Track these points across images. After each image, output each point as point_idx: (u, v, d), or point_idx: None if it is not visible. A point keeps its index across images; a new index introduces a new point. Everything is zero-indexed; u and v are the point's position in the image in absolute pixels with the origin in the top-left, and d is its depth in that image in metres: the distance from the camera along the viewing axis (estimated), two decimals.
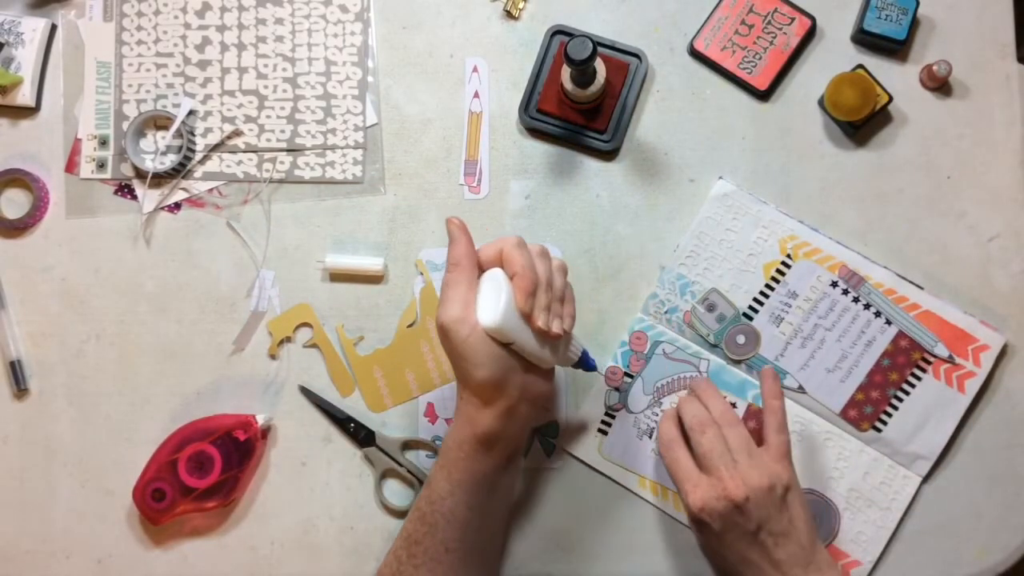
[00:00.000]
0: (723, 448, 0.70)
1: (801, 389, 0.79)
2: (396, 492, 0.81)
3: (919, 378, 0.78)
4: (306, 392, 0.82)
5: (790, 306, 0.80)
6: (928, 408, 0.78)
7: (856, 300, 0.79)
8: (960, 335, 0.78)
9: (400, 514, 0.80)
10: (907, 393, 0.78)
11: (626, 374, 0.81)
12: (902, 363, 0.79)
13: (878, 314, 0.79)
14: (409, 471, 0.80)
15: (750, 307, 0.80)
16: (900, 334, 0.79)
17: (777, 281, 0.80)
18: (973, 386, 0.78)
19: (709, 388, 0.75)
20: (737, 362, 0.80)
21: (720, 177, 0.81)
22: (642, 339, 0.81)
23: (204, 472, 0.77)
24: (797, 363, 0.79)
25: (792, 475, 0.70)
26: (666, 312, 0.80)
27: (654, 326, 0.81)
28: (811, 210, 0.81)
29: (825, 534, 0.78)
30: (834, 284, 0.79)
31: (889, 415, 0.78)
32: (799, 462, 0.78)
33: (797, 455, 0.78)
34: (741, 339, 0.80)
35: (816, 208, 0.81)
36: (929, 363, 0.78)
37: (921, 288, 0.79)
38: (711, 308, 0.80)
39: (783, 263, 0.80)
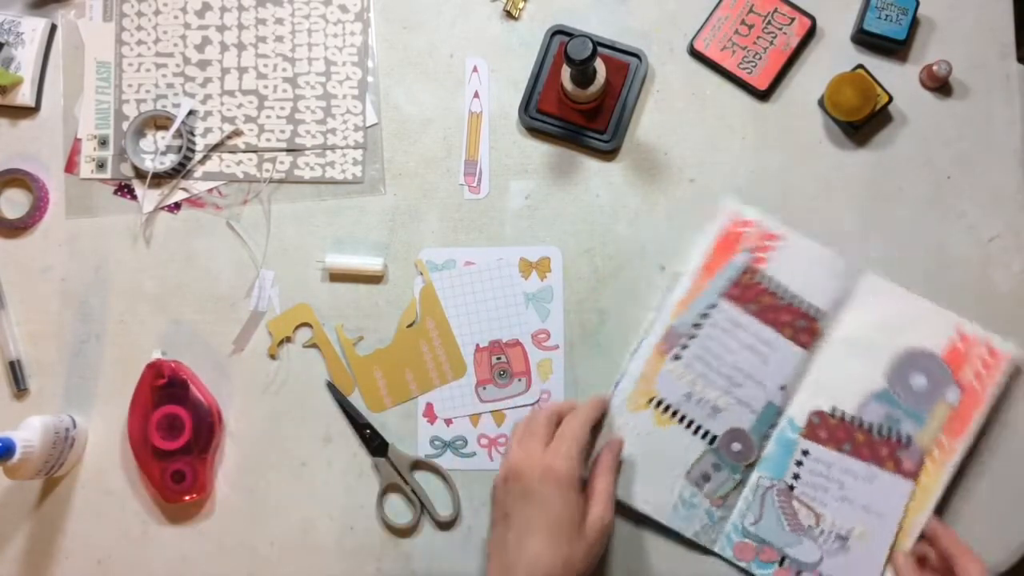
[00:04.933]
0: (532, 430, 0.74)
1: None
2: (397, 508, 0.81)
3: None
4: (332, 389, 0.82)
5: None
6: None
7: None
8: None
9: (398, 532, 0.80)
10: None
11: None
12: None
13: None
14: (413, 491, 0.80)
15: None
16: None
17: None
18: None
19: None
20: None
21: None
22: None
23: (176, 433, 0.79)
24: None
25: (607, 513, 0.72)
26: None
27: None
28: (811, 210, 0.81)
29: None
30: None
31: None
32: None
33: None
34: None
35: (816, 208, 0.81)
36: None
37: None
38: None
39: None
